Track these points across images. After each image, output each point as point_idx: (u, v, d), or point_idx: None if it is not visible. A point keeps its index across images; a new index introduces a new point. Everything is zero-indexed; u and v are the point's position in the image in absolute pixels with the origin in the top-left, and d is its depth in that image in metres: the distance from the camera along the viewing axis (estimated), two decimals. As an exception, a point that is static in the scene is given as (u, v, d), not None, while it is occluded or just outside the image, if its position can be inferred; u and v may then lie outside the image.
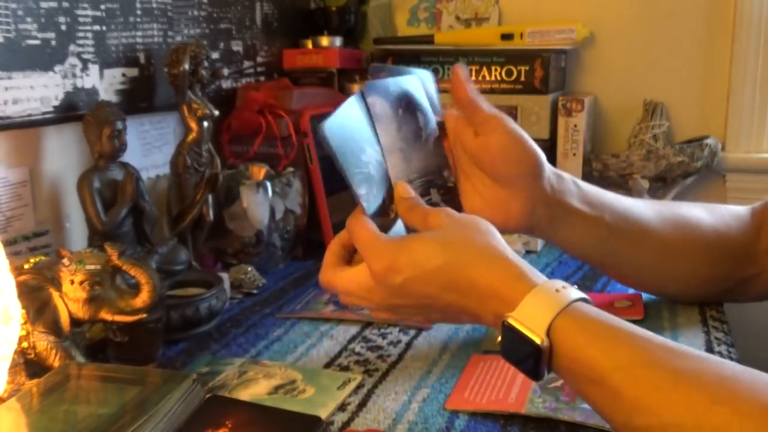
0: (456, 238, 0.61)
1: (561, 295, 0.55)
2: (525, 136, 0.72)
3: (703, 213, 0.83)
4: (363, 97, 0.67)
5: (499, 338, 0.57)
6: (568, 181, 0.75)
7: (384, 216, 0.66)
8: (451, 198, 0.74)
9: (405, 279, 0.60)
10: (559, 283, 0.57)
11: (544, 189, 0.73)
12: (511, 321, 0.55)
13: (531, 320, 0.55)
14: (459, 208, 0.73)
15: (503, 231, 0.64)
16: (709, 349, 0.79)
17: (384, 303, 0.64)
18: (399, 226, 0.67)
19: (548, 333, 0.54)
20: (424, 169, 0.71)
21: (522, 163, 0.72)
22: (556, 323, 0.54)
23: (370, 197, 0.65)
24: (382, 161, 0.67)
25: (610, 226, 0.76)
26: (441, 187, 0.73)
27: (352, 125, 0.65)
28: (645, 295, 0.93)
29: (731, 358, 0.76)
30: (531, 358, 0.55)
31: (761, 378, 0.49)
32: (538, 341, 0.54)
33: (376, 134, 0.67)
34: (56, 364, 0.70)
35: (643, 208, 0.81)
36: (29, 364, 0.70)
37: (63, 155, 0.97)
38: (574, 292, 0.56)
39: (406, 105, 0.71)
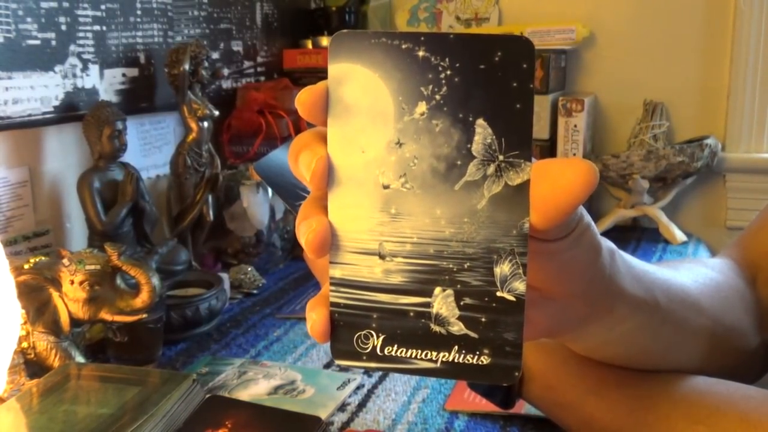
0: None
1: None
2: None
3: (716, 274, 0.59)
4: None
5: None
6: (613, 250, 0.41)
7: None
8: None
9: None
10: None
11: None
12: None
13: None
14: None
15: None
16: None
17: None
18: None
19: None
20: None
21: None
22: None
23: None
24: None
25: (664, 314, 0.46)
26: None
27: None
28: None
29: None
30: (502, 388, 0.54)
31: (738, 389, 0.48)
32: None
33: None
34: (56, 364, 0.70)
35: (686, 278, 0.53)
36: (29, 364, 0.70)
37: (63, 155, 0.97)
38: None
39: None
